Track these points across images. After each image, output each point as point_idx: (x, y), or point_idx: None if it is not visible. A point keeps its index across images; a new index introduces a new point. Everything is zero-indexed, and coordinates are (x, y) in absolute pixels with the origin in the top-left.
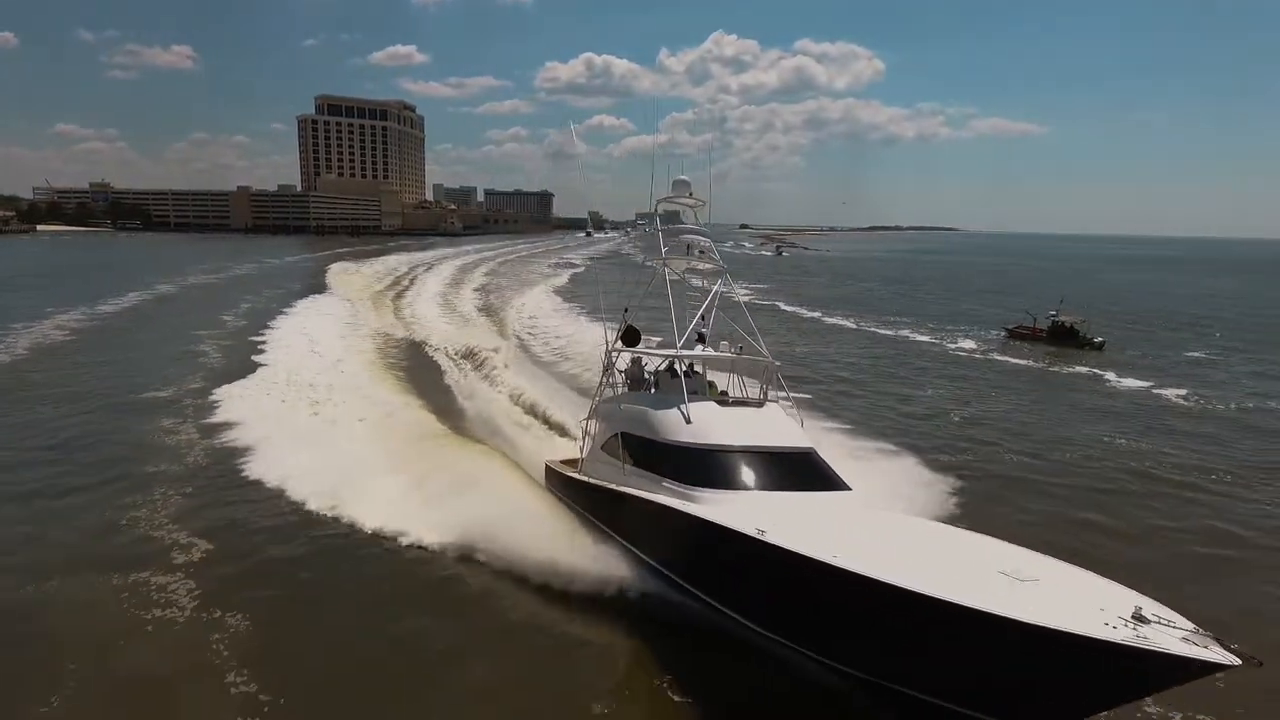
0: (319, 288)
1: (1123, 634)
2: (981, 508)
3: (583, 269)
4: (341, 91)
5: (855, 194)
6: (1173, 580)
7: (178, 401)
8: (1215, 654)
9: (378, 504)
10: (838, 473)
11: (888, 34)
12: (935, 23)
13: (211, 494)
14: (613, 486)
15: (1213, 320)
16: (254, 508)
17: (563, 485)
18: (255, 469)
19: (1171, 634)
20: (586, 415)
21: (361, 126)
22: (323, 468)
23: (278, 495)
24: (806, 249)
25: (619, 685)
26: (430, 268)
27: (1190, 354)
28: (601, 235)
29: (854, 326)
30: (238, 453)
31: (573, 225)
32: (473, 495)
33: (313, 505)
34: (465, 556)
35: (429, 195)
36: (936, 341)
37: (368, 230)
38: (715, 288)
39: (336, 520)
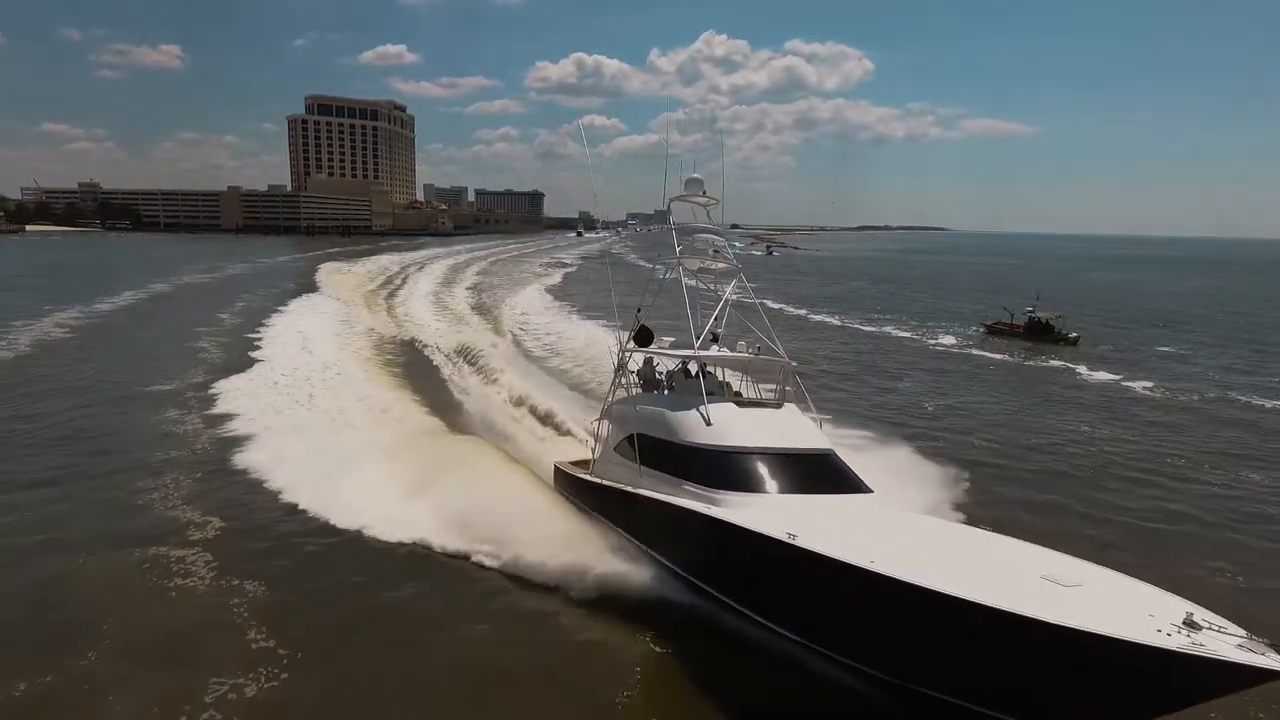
0: (311, 287)
1: (1177, 640)
2: (951, 493)
3: (574, 268)
4: (332, 91)
5: (845, 194)
6: (1124, 554)
7: (181, 394)
8: (1273, 661)
9: (375, 491)
10: (857, 474)
11: (878, 34)
12: (925, 23)
13: (220, 479)
14: (627, 488)
15: (1188, 317)
16: (260, 490)
17: (573, 486)
18: (258, 456)
19: (1226, 641)
20: (598, 416)
21: (352, 126)
22: (322, 455)
23: (281, 481)
24: (797, 249)
25: (634, 683)
26: (422, 267)
27: (1161, 349)
28: (593, 235)
29: (839, 323)
30: (241, 441)
31: (563, 225)
32: (459, 482)
33: (314, 490)
34: (460, 546)
35: (419, 195)
36: (918, 338)
37: (358, 230)
38: (729, 288)
39: (336, 504)
